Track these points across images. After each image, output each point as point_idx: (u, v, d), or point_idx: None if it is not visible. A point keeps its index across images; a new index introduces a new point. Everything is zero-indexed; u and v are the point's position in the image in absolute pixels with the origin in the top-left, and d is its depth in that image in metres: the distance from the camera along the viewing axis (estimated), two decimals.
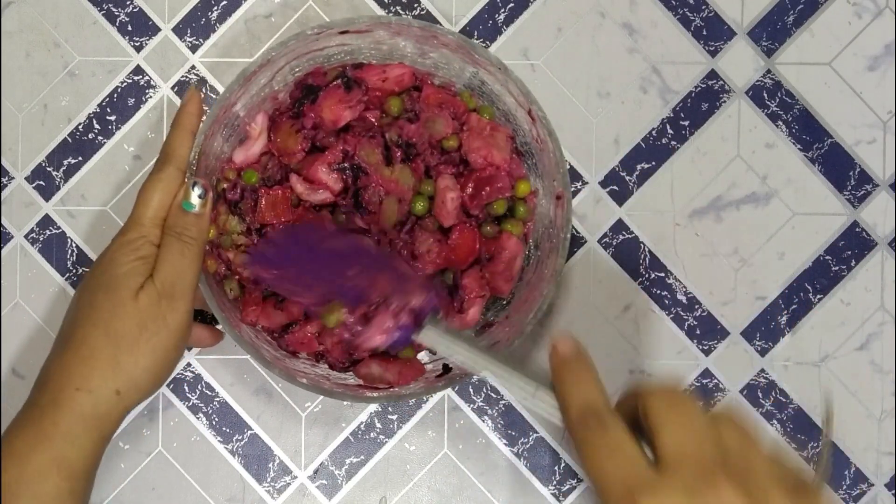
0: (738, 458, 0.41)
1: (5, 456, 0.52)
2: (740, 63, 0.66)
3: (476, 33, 0.66)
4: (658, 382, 0.43)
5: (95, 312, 0.53)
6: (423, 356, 0.61)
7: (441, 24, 0.65)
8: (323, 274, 0.56)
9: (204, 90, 0.65)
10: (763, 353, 0.66)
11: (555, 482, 0.65)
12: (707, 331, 0.65)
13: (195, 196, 0.55)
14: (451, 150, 0.60)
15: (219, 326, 0.63)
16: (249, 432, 0.65)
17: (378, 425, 0.65)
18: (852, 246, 0.66)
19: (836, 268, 0.66)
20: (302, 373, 0.57)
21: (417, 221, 0.60)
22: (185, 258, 0.54)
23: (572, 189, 0.65)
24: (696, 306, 0.65)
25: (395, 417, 0.65)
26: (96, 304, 0.53)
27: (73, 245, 0.65)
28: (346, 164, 0.59)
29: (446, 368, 0.59)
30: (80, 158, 0.65)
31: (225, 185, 0.59)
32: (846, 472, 0.65)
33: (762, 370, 0.66)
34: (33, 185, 0.65)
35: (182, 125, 0.56)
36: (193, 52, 0.65)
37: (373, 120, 0.60)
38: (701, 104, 0.66)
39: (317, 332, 0.59)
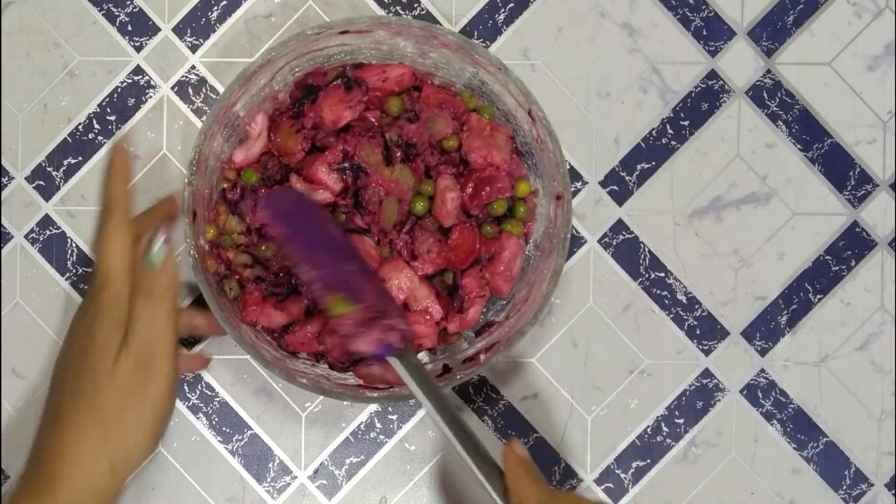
0: None
1: None
2: (740, 63, 0.66)
3: (476, 33, 0.65)
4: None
5: (79, 390, 0.52)
6: (423, 356, 0.61)
7: (441, 25, 0.65)
8: (327, 258, 0.56)
9: (204, 90, 0.65)
10: (763, 353, 0.66)
11: (555, 482, 0.65)
12: (707, 331, 0.65)
13: (156, 251, 0.53)
14: (451, 150, 0.60)
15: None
16: (249, 432, 0.65)
17: (378, 425, 0.65)
18: (852, 246, 0.66)
19: (836, 268, 0.66)
20: (302, 373, 0.57)
21: (417, 221, 0.60)
22: (157, 321, 0.52)
23: (572, 189, 0.65)
24: (696, 306, 0.65)
25: (395, 417, 0.65)
26: (79, 379, 0.52)
27: (73, 245, 0.65)
28: (346, 164, 0.59)
29: (446, 368, 0.59)
30: (80, 158, 0.65)
31: (225, 185, 0.59)
32: (846, 472, 0.65)
33: (762, 370, 0.66)
34: (33, 185, 0.65)
35: (114, 173, 0.54)
36: (193, 52, 0.65)
37: (373, 120, 0.60)
38: (701, 104, 0.66)
39: (316, 332, 0.59)
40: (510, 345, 0.57)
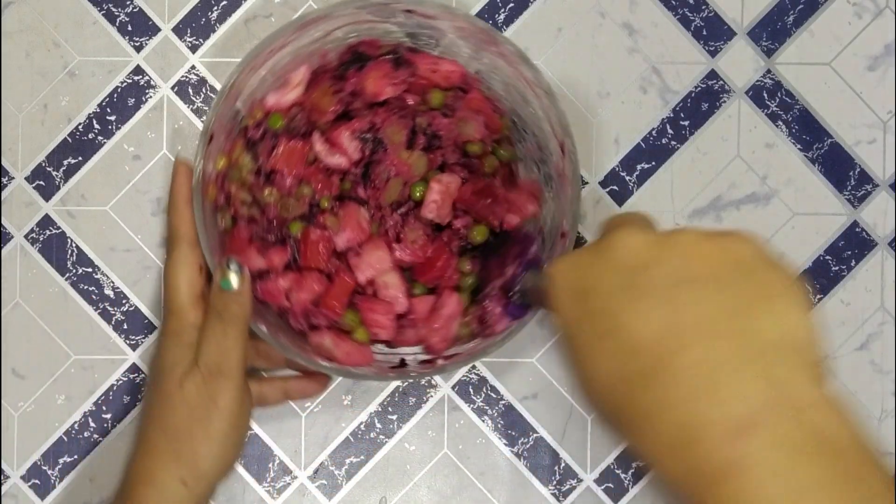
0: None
1: None
2: (740, 63, 0.66)
3: None
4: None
5: (151, 409, 0.55)
6: (381, 347, 0.61)
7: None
8: None
9: (204, 90, 0.65)
10: None
11: (555, 482, 0.65)
12: None
13: (232, 273, 0.54)
14: (472, 156, 0.60)
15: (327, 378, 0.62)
16: (249, 432, 0.65)
17: (378, 425, 0.65)
18: (852, 246, 0.66)
19: (836, 268, 0.66)
20: (263, 320, 0.56)
21: (414, 208, 0.60)
22: (229, 337, 0.53)
23: None
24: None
25: (395, 417, 0.65)
26: (151, 399, 0.55)
27: (73, 245, 0.65)
28: (369, 136, 0.59)
29: (402, 363, 0.59)
30: (80, 158, 0.65)
31: (249, 123, 0.58)
32: None
33: None
34: (33, 185, 0.65)
35: (177, 201, 0.57)
36: (193, 52, 0.65)
37: (410, 102, 0.60)
38: (701, 104, 0.66)
39: (288, 287, 0.59)
40: (472, 360, 0.56)
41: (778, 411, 0.36)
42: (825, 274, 0.66)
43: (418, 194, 0.60)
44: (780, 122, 0.66)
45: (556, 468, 0.65)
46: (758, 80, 0.66)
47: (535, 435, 0.65)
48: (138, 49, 0.65)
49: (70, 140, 0.65)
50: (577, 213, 0.55)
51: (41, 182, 0.65)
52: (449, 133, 0.60)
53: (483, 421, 0.65)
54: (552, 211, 0.59)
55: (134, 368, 0.65)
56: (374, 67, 0.59)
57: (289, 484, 0.65)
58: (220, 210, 0.58)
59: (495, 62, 0.58)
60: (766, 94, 0.66)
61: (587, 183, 0.65)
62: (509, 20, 0.66)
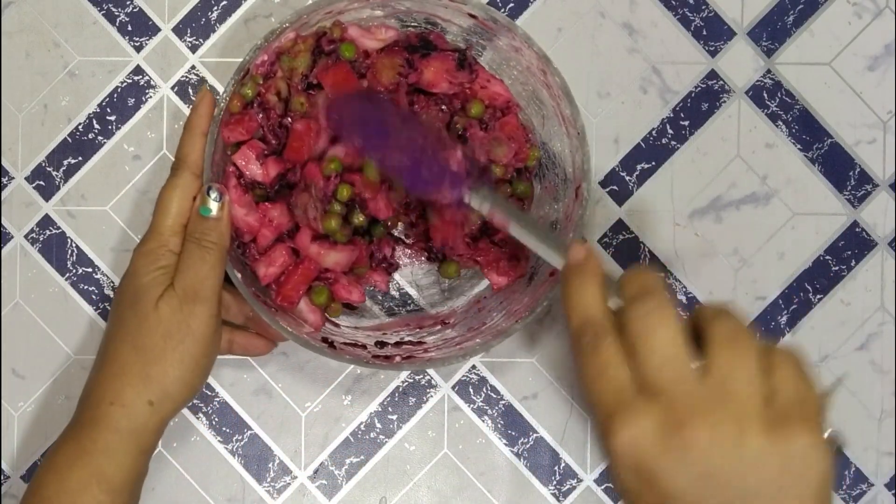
0: (785, 400, 0.40)
1: (46, 471, 0.53)
2: (740, 63, 0.66)
3: None
4: (723, 308, 0.42)
5: (122, 328, 0.54)
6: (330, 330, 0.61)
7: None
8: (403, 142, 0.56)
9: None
10: None
11: (555, 482, 0.65)
12: None
13: (212, 201, 0.54)
14: (494, 177, 0.61)
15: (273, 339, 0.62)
16: (249, 432, 0.65)
17: (378, 425, 0.65)
18: (852, 246, 0.66)
19: (836, 268, 0.66)
20: (241, 268, 0.56)
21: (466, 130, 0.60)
22: (206, 263, 0.54)
23: None
24: (696, 306, 0.65)
25: (395, 417, 0.65)
26: (123, 318, 0.54)
27: (73, 245, 0.65)
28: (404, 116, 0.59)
29: (331, 344, 0.58)
30: (80, 158, 0.65)
31: (328, 33, 0.58)
32: (846, 472, 0.65)
33: None
34: (33, 185, 0.65)
35: (193, 128, 0.56)
36: (193, 52, 0.65)
37: (456, 103, 0.60)
38: (701, 104, 0.66)
39: (280, 215, 0.58)
40: (431, 365, 0.57)
41: None
42: (825, 274, 0.66)
43: (475, 111, 0.61)
44: (780, 122, 0.66)
45: (556, 468, 0.65)
46: (758, 80, 0.66)
47: (535, 435, 0.65)
48: (138, 49, 0.65)
49: (70, 140, 0.65)
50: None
51: (41, 182, 0.65)
52: (480, 146, 0.60)
53: (483, 421, 0.65)
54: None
55: None
56: (439, 59, 0.59)
57: (289, 484, 0.65)
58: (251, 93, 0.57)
59: (539, 92, 0.59)
60: (766, 94, 0.66)
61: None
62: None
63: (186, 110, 0.65)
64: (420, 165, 0.55)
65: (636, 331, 0.41)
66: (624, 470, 0.40)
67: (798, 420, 0.39)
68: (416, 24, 0.60)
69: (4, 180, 0.65)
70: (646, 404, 0.40)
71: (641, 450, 0.40)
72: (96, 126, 0.65)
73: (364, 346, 0.59)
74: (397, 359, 0.57)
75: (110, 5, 0.65)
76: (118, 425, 0.52)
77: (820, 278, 0.66)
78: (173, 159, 0.57)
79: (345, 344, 0.58)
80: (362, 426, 0.65)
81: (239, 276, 0.55)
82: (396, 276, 0.64)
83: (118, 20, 0.65)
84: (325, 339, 0.58)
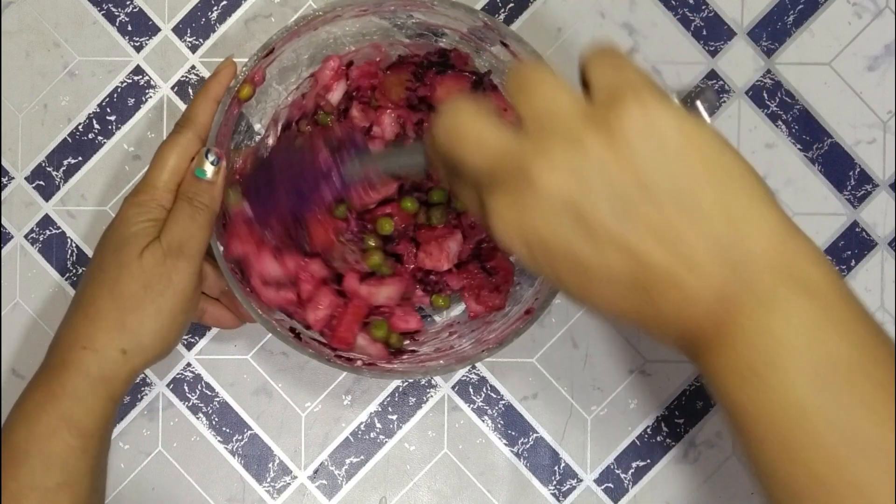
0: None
1: (16, 416, 0.52)
2: (740, 63, 0.66)
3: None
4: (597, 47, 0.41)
5: (102, 273, 0.53)
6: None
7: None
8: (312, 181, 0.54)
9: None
10: None
11: (555, 482, 0.65)
12: None
13: (209, 164, 0.54)
14: None
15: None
16: (249, 432, 0.65)
17: (378, 425, 0.65)
18: (852, 246, 0.66)
19: (836, 268, 0.66)
20: (278, 322, 0.56)
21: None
22: (195, 221, 0.54)
23: None
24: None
25: (395, 417, 0.65)
26: (104, 264, 0.54)
27: (73, 245, 0.65)
28: (406, 132, 0.59)
29: (296, 334, 0.58)
30: (80, 158, 0.65)
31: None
32: None
33: None
34: (33, 185, 0.65)
35: (208, 92, 0.56)
36: (193, 52, 0.65)
37: None
38: None
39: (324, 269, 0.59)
40: (391, 377, 0.56)
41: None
42: None
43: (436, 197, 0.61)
44: (780, 122, 0.66)
45: (556, 468, 0.65)
46: (758, 80, 0.66)
47: (535, 435, 0.65)
48: (138, 49, 0.65)
49: (70, 140, 0.65)
50: (548, 303, 0.56)
51: (41, 182, 0.65)
52: None
53: (483, 421, 0.65)
54: (525, 289, 0.60)
55: None
56: (454, 78, 0.59)
57: (289, 484, 0.65)
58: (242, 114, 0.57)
59: None
60: (766, 94, 0.66)
61: None
62: (509, 20, 0.66)
63: None
64: (301, 186, 0.54)
65: (509, 90, 0.39)
66: (558, 218, 0.37)
67: (621, 100, 0.37)
68: (422, 33, 0.60)
69: (4, 180, 0.65)
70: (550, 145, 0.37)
71: (568, 190, 0.37)
72: (96, 126, 0.65)
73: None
74: (359, 363, 0.57)
75: (110, 5, 0.65)
76: (88, 370, 0.52)
77: None
78: (181, 116, 0.57)
79: (311, 338, 0.58)
80: (362, 426, 0.65)
81: (221, 249, 0.55)
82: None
83: (118, 20, 0.65)
84: (292, 329, 0.57)
